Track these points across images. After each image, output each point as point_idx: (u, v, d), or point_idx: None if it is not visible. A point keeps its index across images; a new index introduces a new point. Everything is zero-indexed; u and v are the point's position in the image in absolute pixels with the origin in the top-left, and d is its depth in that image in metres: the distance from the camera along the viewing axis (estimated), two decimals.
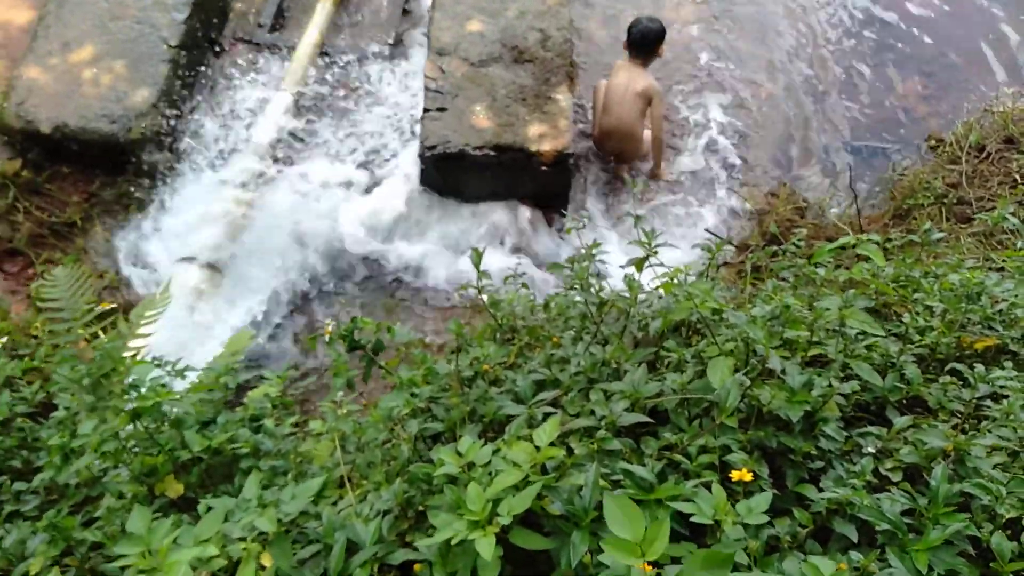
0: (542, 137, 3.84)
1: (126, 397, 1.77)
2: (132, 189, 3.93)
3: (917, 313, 1.93)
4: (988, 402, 1.61)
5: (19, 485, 1.89)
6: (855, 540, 1.26)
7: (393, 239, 4.05)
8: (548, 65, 4.10)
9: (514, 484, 1.19)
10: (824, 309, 1.59)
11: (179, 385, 2.10)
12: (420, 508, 1.37)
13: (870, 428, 1.52)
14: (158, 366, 1.99)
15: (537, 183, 3.98)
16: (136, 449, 1.80)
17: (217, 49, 4.49)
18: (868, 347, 1.73)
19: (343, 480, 1.61)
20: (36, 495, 1.89)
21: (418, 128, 3.91)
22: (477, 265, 1.85)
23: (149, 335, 2.93)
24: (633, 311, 1.85)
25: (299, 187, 4.07)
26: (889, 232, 3.54)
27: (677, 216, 4.35)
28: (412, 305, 3.91)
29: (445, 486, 1.24)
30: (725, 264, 3.92)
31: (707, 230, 4.08)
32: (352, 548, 1.31)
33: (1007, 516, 1.26)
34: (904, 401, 1.68)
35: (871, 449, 1.45)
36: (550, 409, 1.54)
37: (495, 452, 1.29)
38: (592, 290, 1.94)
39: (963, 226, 3.68)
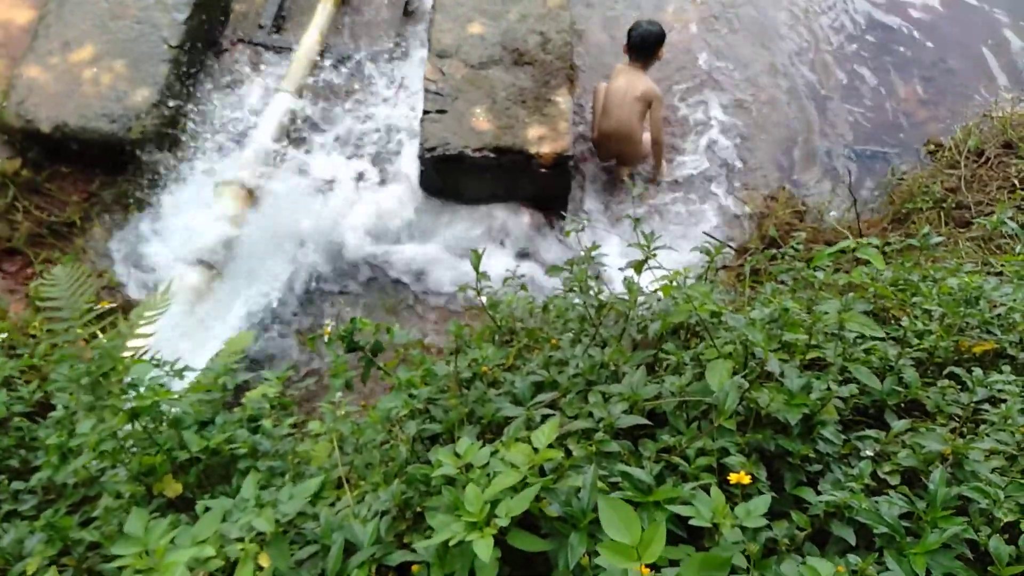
0: (542, 139, 3.84)
1: (124, 397, 1.77)
2: (132, 189, 3.93)
3: (915, 317, 1.93)
4: (986, 406, 1.61)
5: (17, 484, 1.89)
6: (853, 543, 1.26)
7: (393, 240, 4.05)
8: (548, 68, 4.11)
9: (512, 486, 1.19)
10: (823, 312, 1.59)
11: (177, 385, 2.10)
12: (418, 509, 1.36)
13: (868, 431, 1.52)
14: (156, 366, 1.99)
15: (537, 185, 3.98)
16: (134, 449, 1.80)
17: (218, 49, 4.49)
18: (866, 351, 1.73)
19: (341, 481, 1.61)
20: (34, 494, 1.89)
21: (418, 130, 3.92)
22: (476, 267, 1.85)
23: (150, 335, 2.93)
24: (632, 313, 1.85)
25: (298, 188, 4.07)
26: (888, 236, 3.54)
27: (677, 217, 4.35)
28: (412, 306, 3.91)
29: (443, 487, 1.24)
30: (724, 267, 3.92)
31: (705, 233, 4.09)
32: (350, 549, 1.31)
33: (1005, 520, 1.26)
34: (902, 405, 1.68)
35: (869, 452, 1.45)
36: (548, 411, 1.54)
37: (493, 454, 1.29)
38: (591, 292, 1.94)
39: (962, 230, 3.68)
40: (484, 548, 1.09)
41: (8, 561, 1.62)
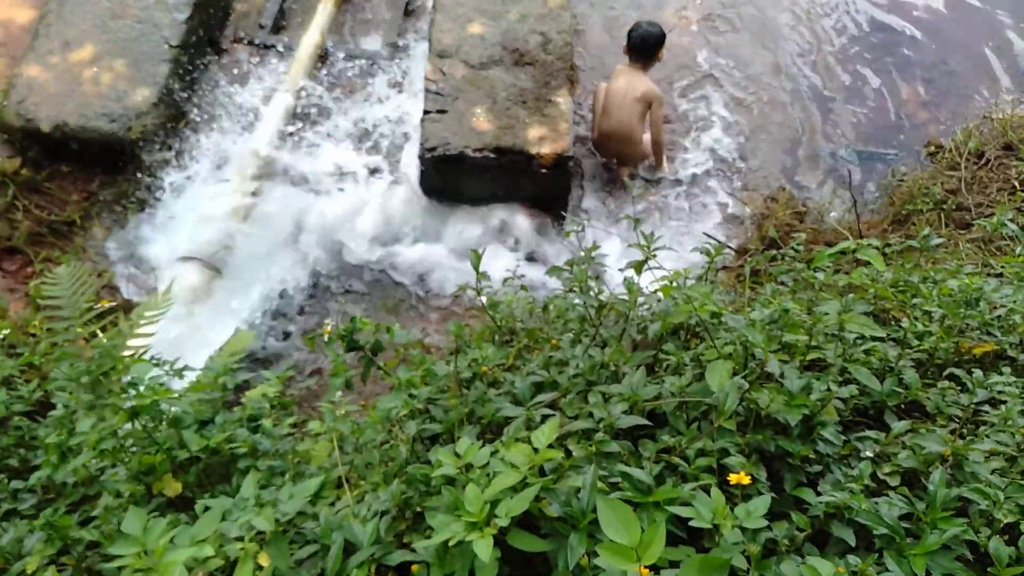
0: (542, 140, 3.84)
1: (124, 396, 1.77)
2: (132, 188, 3.93)
3: (916, 318, 1.93)
4: (986, 407, 1.61)
5: (16, 483, 1.89)
6: (853, 544, 1.26)
7: (392, 240, 4.05)
8: (548, 68, 4.11)
9: (512, 486, 1.19)
10: (823, 313, 1.59)
11: (177, 384, 2.10)
12: (418, 509, 1.36)
13: (868, 432, 1.52)
14: (156, 365, 1.99)
15: (537, 185, 3.98)
16: (134, 448, 1.80)
17: (218, 49, 4.49)
18: (867, 352, 1.73)
19: (341, 480, 1.61)
20: (33, 493, 1.89)
21: (418, 130, 3.92)
22: (476, 267, 1.85)
23: (150, 335, 2.93)
24: (632, 314, 1.85)
25: (298, 188, 4.07)
26: (888, 237, 3.54)
27: (678, 214, 4.35)
28: (413, 306, 3.91)
29: (443, 487, 1.24)
30: (724, 268, 3.92)
31: (706, 233, 4.09)
32: (349, 549, 1.30)
33: (1005, 521, 1.26)
34: (902, 406, 1.68)
35: (869, 453, 1.45)
36: (548, 411, 1.54)
37: (493, 454, 1.29)
38: (591, 292, 1.94)
39: (962, 232, 3.68)
40: (484, 548, 1.09)
41: (7, 560, 1.62)
